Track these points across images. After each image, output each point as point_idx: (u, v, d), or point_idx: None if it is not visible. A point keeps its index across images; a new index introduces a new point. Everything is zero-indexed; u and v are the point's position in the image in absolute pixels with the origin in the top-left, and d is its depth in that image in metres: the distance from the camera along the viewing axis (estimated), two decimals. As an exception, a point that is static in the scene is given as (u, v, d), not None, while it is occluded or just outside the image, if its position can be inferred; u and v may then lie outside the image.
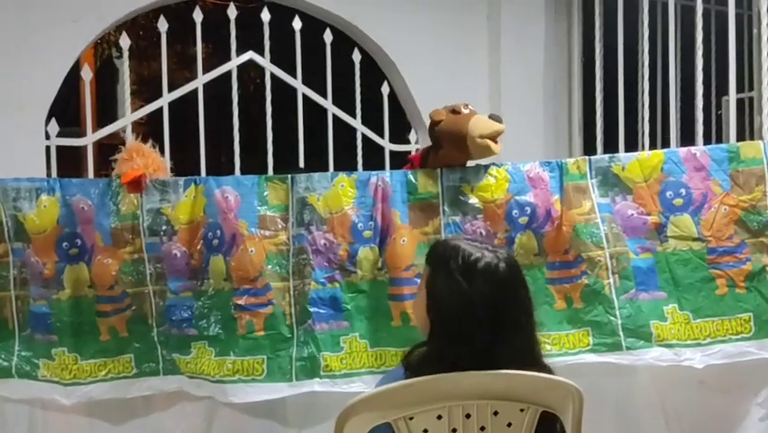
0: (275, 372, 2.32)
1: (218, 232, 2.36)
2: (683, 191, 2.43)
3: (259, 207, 2.39)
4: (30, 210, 2.34)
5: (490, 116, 2.47)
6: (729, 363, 2.36)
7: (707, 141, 3.65)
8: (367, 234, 2.40)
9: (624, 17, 3.76)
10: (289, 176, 2.43)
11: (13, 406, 2.37)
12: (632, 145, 3.82)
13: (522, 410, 1.70)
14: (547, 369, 1.81)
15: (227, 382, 2.31)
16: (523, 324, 1.77)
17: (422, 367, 1.78)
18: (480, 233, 2.40)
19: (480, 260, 1.77)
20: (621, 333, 2.36)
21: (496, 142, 2.44)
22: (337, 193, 2.41)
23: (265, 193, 2.40)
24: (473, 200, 2.43)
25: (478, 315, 1.73)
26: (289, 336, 2.35)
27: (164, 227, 2.37)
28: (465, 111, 2.49)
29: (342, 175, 2.44)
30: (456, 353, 1.73)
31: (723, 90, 3.87)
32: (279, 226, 2.39)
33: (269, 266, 2.37)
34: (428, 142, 4.03)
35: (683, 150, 2.51)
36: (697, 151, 2.49)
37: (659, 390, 2.44)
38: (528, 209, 2.42)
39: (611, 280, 2.39)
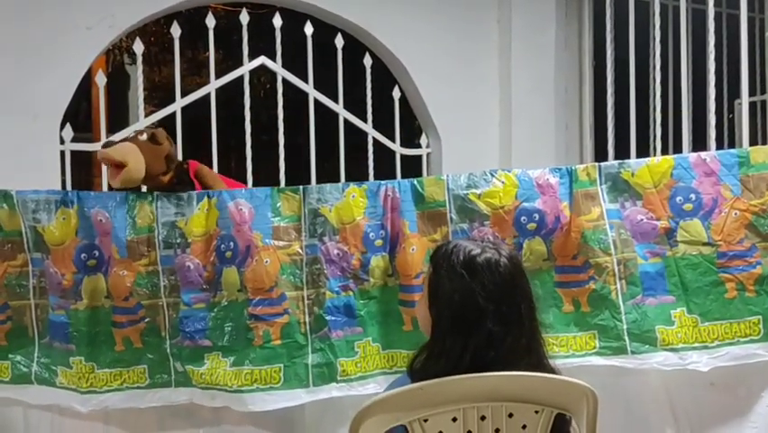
0: (291, 379, 2.35)
1: (231, 244, 2.39)
2: (693, 196, 2.44)
3: (272, 219, 2.42)
4: (48, 222, 2.37)
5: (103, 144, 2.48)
6: (739, 366, 2.37)
7: (719, 144, 3.64)
8: (378, 243, 2.44)
9: (635, 21, 3.75)
10: (301, 187, 2.47)
11: (36, 411, 2.41)
12: (643, 150, 3.82)
13: (537, 412, 1.71)
14: (551, 370, 1.82)
15: (245, 392, 2.34)
16: (524, 320, 1.79)
17: (425, 365, 1.81)
18: (488, 239, 2.41)
19: (480, 255, 1.81)
20: (626, 337, 2.38)
21: (113, 169, 2.42)
22: (348, 204, 2.44)
23: (278, 204, 2.43)
24: (480, 207, 2.45)
25: (479, 308, 1.76)
26: (304, 343, 2.39)
27: (178, 240, 2.40)
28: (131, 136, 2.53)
29: (352, 186, 2.48)
30: (459, 346, 1.76)
31: (735, 94, 3.86)
32: (293, 237, 2.43)
33: (284, 276, 2.40)
34: (438, 145, 4.09)
35: (693, 155, 2.52)
36: (707, 156, 2.50)
37: (668, 391, 2.46)
38: (537, 216, 2.44)
39: (618, 286, 2.41)
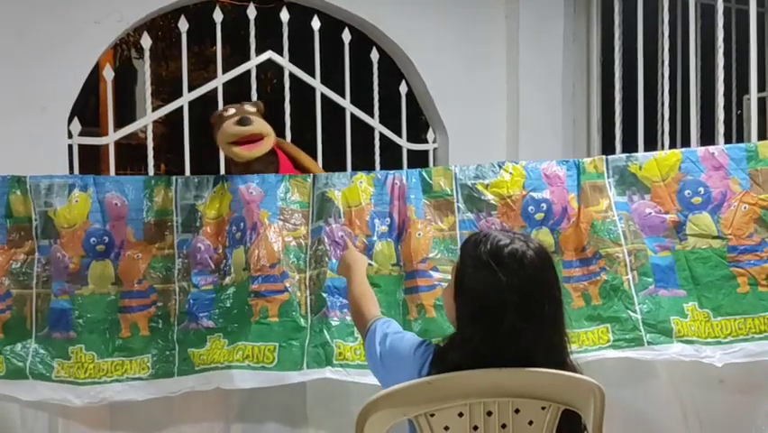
0: (286, 361, 2.31)
1: (242, 225, 2.41)
2: (702, 190, 2.43)
3: (281, 201, 2.45)
4: (61, 205, 2.38)
5: (238, 121, 2.51)
6: (750, 362, 2.35)
7: (727, 140, 3.63)
8: (383, 229, 2.45)
9: (644, 16, 3.74)
10: (312, 175, 2.49)
11: (33, 405, 2.37)
12: (651, 145, 3.80)
13: (543, 408, 1.70)
14: (571, 367, 1.79)
15: (235, 368, 2.30)
16: (549, 314, 1.75)
17: (447, 350, 1.79)
18: (495, 229, 2.41)
19: (507, 246, 1.77)
20: (642, 328, 2.35)
21: (244, 145, 2.50)
22: (356, 189, 2.47)
23: (288, 190, 2.46)
24: (488, 197, 2.44)
25: (504, 299, 1.72)
26: (304, 325, 2.36)
27: (197, 223, 2.42)
28: (227, 113, 2.57)
29: (361, 173, 2.50)
30: (480, 337, 1.73)
31: (744, 89, 3.84)
32: (300, 222, 2.44)
33: (288, 257, 2.40)
34: (445, 140, 4.08)
35: (701, 149, 2.52)
36: (715, 150, 2.50)
37: (678, 388, 2.44)
38: (544, 205, 2.44)
39: (630, 277, 2.39)
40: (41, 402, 2.35)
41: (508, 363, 1.70)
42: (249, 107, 2.61)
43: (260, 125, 2.52)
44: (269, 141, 2.55)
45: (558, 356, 1.76)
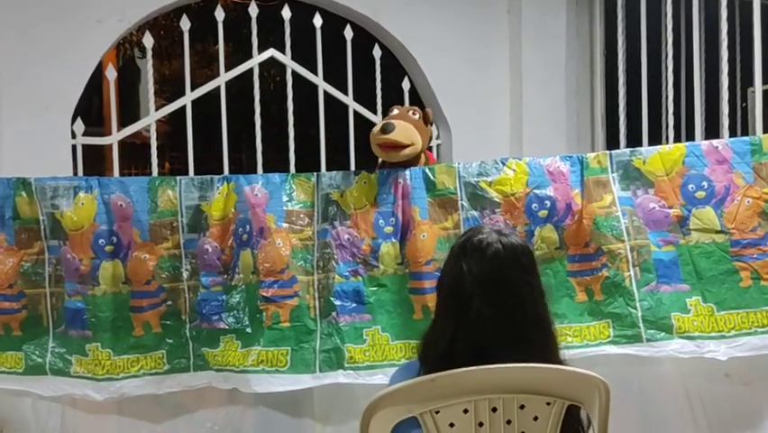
0: (298, 363, 2.36)
1: (248, 227, 2.42)
2: (705, 184, 2.43)
3: (286, 203, 2.45)
4: (67, 208, 2.41)
5: (382, 126, 2.50)
6: (755, 356, 2.34)
7: (732, 133, 3.61)
8: (388, 229, 2.46)
9: (647, 9, 3.72)
10: (315, 174, 2.50)
11: (45, 401, 2.42)
12: (656, 139, 3.79)
13: (548, 404, 1.70)
14: (559, 362, 1.81)
15: (251, 372, 2.35)
16: (515, 308, 1.78)
17: (426, 348, 1.85)
18: (496, 224, 2.42)
19: (474, 237, 1.84)
20: (641, 325, 2.36)
21: (389, 149, 2.48)
22: (360, 189, 2.47)
23: (292, 190, 2.47)
24: (492, 194, 2.45)
25: (466, 289, 1.78)
26: (314, 328, 2.40)
27: (203, 224, 2.44)
28: (392, 112, 2.60)
29: (364, 173, 2.51)
30: (450, 328, 1.78)
31: (748, 82, 3.82)
32: (305, 222, 2.45)
33: (295, 260, 2.42)
34: (448, 137, 4.08)
35: (705, 143, 2.51)
36: (719, 143, 2.49)
37: (684, 382, 2.44)
38: (548, 203, 2.44)
39: (632, 273, 2.40)
40: (54, 398, 2.39)
41: (484, 355, 1.71)
42: (412, 114, 2.59)
43: (401, 135, 2.47)
44: (411, 150, 2.50)
45: (540, 350, 1.77)
